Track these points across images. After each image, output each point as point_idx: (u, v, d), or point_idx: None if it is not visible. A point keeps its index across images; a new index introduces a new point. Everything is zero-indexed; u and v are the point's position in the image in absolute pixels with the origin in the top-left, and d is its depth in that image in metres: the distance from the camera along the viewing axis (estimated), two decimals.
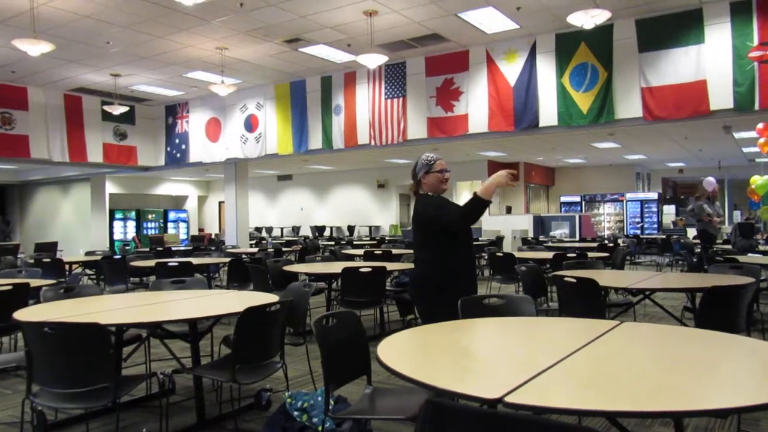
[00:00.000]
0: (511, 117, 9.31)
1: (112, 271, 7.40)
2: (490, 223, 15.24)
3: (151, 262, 7.39)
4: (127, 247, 15.03)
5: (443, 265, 3.49)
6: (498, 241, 12.49)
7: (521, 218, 16.12)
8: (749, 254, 8.06)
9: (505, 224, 15.14)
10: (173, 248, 11.98)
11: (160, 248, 11.09)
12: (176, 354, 3.72)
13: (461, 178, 18.22)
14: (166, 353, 3.91)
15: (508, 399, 1.54)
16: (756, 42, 7.44)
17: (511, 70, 9.33)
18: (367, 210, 20.45)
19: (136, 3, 7.70)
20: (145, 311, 3.46)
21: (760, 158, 15.36)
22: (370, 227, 19.97)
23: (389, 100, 10.59)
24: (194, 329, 3.56)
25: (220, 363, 3.42)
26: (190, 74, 11.22)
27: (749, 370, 2.00)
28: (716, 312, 3.50)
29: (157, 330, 3.78)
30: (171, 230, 20.65)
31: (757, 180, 12.63)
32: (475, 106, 9.67)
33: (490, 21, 8.57)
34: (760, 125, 10.82)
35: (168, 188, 21.65)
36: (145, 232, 19.62)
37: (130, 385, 3.00)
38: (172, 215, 21.12)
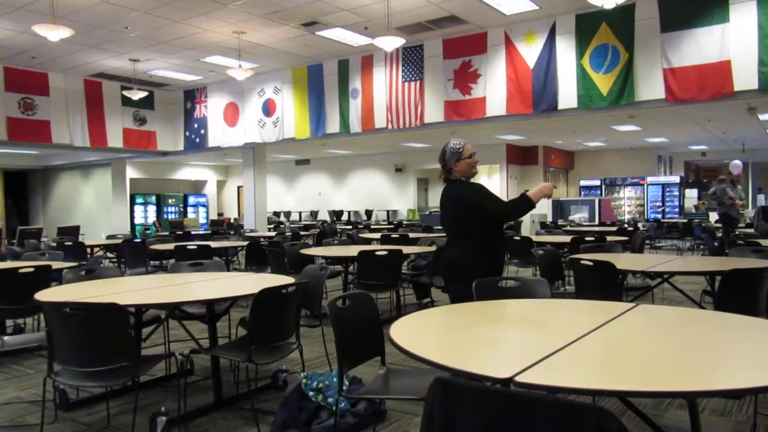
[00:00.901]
0: (530, 99, 9.20)
1: (133, 254, 7.51)
2: None
3: (171, 246, 7.48)
4: (147, 231, 15.26)
5: (483, 249, 3.62)
6: (516, 224, 12.42)
7: (540, 202, 15.89)
8: None
9: None
10: (193, 232, 12.14)
11: (180, 232, 11.23)
12: (194, 335, 3.77)
13: (479, 161, 18.05)
14: (184, 334, 3.96)
15: (519, 378, 1.54)
16: None
17: (530, 51, 9.20)
18: (384, 194, 20.44)
19: None
20: (163, 293, 3.51)
21: None
22: (388, 211, 19.96)
23: (406, 83, 10.52)
24: (212, 310, 3.61)
25: (237, 344, 3.46)
26: (207, 59, 11.26)
27: (766, 352, 1.97)
28: (736, 295, 3.45)
29: (176, 311, 3.83)
30: (191, 215, 20.90)
31: None
32: (493, 88, 9.56)
33: (509, 2, 8.44)
34: None
35: (187, 173, 21.87)
36: (165, 216, 19.88)
37: (149, 365, 3.06)
38: (191, 200, 21.38)
